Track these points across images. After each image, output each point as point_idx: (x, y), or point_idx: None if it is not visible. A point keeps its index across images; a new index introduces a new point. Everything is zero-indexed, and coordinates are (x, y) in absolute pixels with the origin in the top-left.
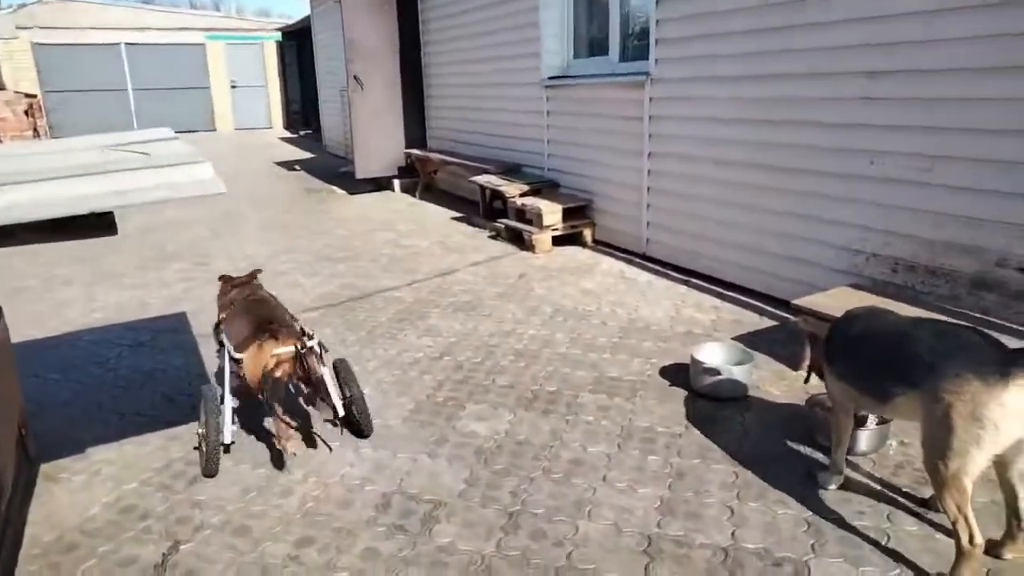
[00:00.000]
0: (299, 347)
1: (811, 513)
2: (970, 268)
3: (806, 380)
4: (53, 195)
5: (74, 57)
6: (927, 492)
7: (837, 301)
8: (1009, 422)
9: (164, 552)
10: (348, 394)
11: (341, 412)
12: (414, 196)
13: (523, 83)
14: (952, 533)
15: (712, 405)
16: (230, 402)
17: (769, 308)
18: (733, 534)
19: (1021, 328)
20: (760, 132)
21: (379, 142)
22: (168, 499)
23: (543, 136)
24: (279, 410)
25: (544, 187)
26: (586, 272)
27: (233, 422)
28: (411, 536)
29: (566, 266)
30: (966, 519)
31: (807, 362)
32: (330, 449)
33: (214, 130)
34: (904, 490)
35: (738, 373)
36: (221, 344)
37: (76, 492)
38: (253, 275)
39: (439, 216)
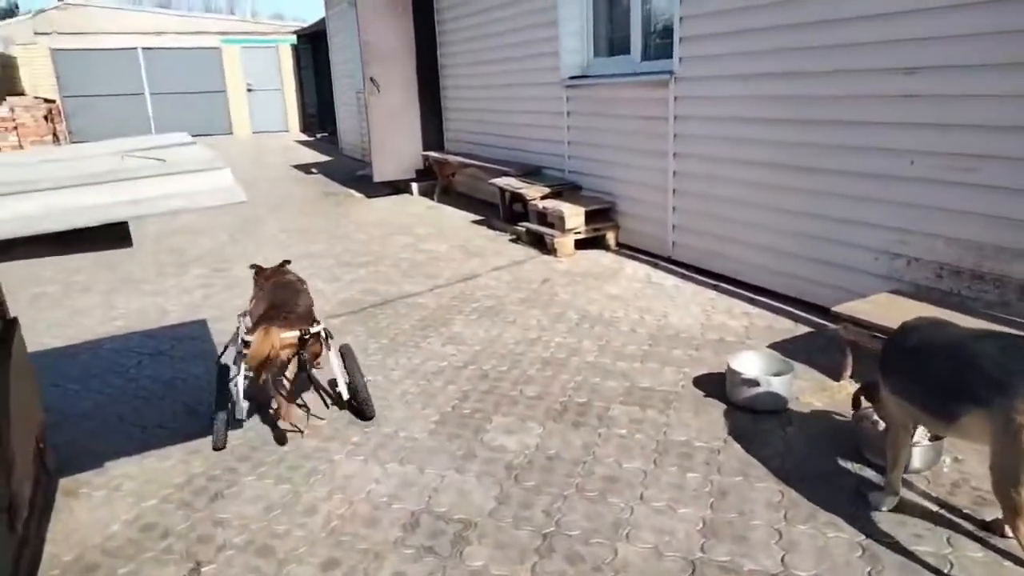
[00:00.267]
0: (303, 333)
1: (865, 537)
2: (1021, 273)
3: (855, 405)
4: (60, 205)
5: (92, 62)
6: (989, 514)
7: (879, 308)
8: None
9: (185, 574)
10: (349, 380)
11: (346, 395)
12: (432, 199)
13: (542, 83)
14: None
15: (751, 418)
16: (243, 382)
17: (803, 314)
18: (783, 559)
19: None
20: (791, 132)
21: (396, 145)
22: (190, 517)
23: (563, 137)
24: (282, 389)
25: (565, 189)
26: (611, 277)
27: (245, 398)
28: (441, 559)
29: (590, 270)
30: None
31: (848, 371)
32: (321, 418)
33: (231, 134)
34: (964, 511)
35: (778, 385)
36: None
37: (96, 508)
38: (282, 265)
39: (458, 220)
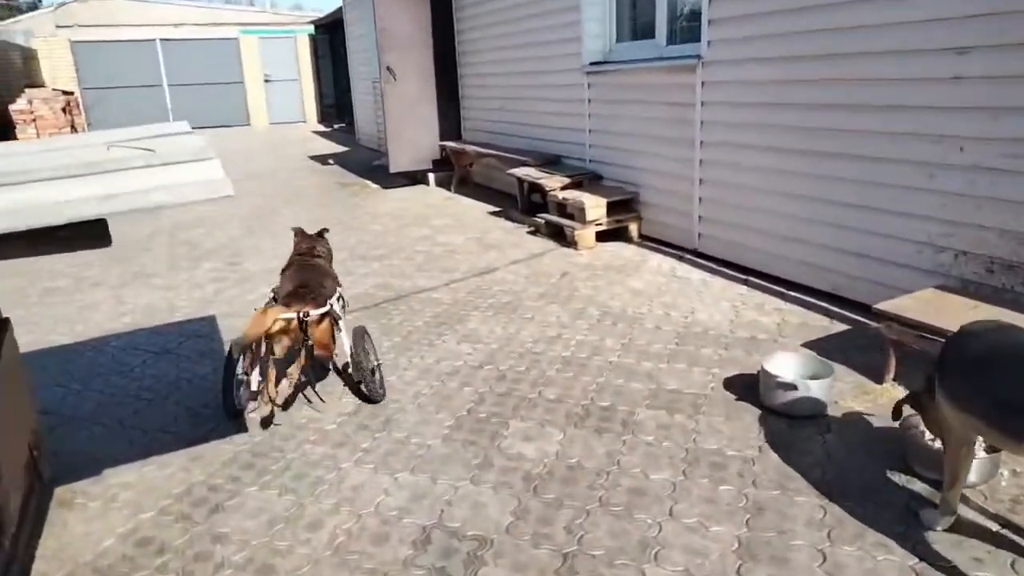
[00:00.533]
0: (300, 315)
1: (918, 560)
2: None
3: (896, 416)
4: (27, 201)
5: (111, 54)
6: None
7: (924, 305)
8: None
9: None
10: (360, 361)
11: (357, 378)
12: (449, 190)
13: (563, 69)
14: None
15: (787, 424)
16: (241, 364)
17: (839, 310)
18: None
19: None
20: (828, 117)
21: (413, 135)
22: (188, 531)
23: (584, 125)
24: (271, 369)
25: (586, 179)
26: (634, 270)
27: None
28: None
29: (612, 263)
30: None
31: (892, 373)
32: (322, 400)
33: (248, 125)
34: None
35: (817, 389)
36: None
37: (91, 520)
38: (321, 233)
39: (476, 211)
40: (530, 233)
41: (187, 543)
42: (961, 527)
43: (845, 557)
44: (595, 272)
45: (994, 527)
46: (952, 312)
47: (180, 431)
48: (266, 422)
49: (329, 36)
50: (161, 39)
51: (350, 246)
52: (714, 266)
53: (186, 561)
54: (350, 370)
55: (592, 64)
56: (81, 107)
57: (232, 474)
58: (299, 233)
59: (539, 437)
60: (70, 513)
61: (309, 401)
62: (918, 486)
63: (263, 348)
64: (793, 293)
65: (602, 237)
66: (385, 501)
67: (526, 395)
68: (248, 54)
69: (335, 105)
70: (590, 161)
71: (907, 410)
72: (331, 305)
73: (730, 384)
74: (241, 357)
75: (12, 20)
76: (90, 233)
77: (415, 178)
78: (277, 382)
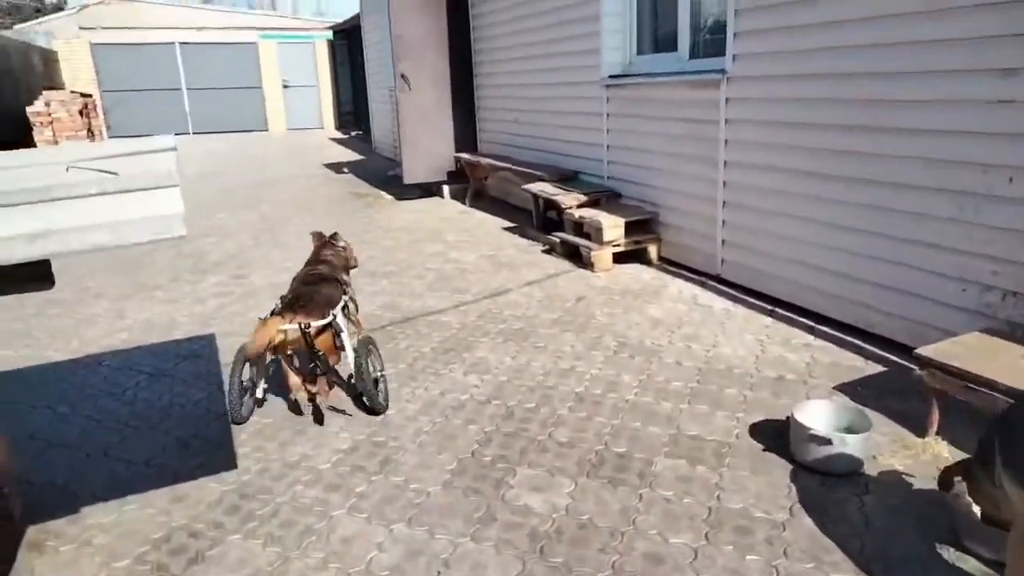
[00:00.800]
0: (303, 326)
1: None
2: None
3: (945, 485)
4: None
5: (131, 57)
6: None
7: (971, 352)
8: None
9: None
10: (363, 370)
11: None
12: (464, 203)
13: (580, 82)
14: None
15: (820, 482)
16: (238, 374)
17: (873, 349)
18: None
19: None
20: (862, 140)
21: (428, 145)
22: None
23: (602, 141)
24: (292, 366)
25: (603, 197)
26: (653, 296)
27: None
28: None
29: (629, 288)
30: None
31: (935, 427)
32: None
33: (266, 130)
34: None
35: (854, 445)
36: None
37: (61, 569)
38: (333, 236)
39: (490, 226)
40: (545, 252)
41: None
42: None
43: None
44: (612, 297)
45: None
46: (1004, 361)
47: (167, 464)
48: (298, 410)
49: (348, 42)
50: (180, 43)
51: (360, 262)
52: (737, 294)
53: None
54: (353, 380)
55: (611, 77)
56: (99, 110)
57: (216, 519)
58: (316, 237)
59: (548, 487)
60: (39, 558)
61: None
62: (971, 564)
63: (267, 358)
64: (822, 328)
65: (619, 258)
66: (378, 558)
67: (535, 436)
68: (267, 59)
69: (353, 112)
70: (608, 178)
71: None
72: (333, 315)
73: (757, 431)
74: (245, 366)
75: (35, 21)
76: (29, 274)
77: (430, 190)
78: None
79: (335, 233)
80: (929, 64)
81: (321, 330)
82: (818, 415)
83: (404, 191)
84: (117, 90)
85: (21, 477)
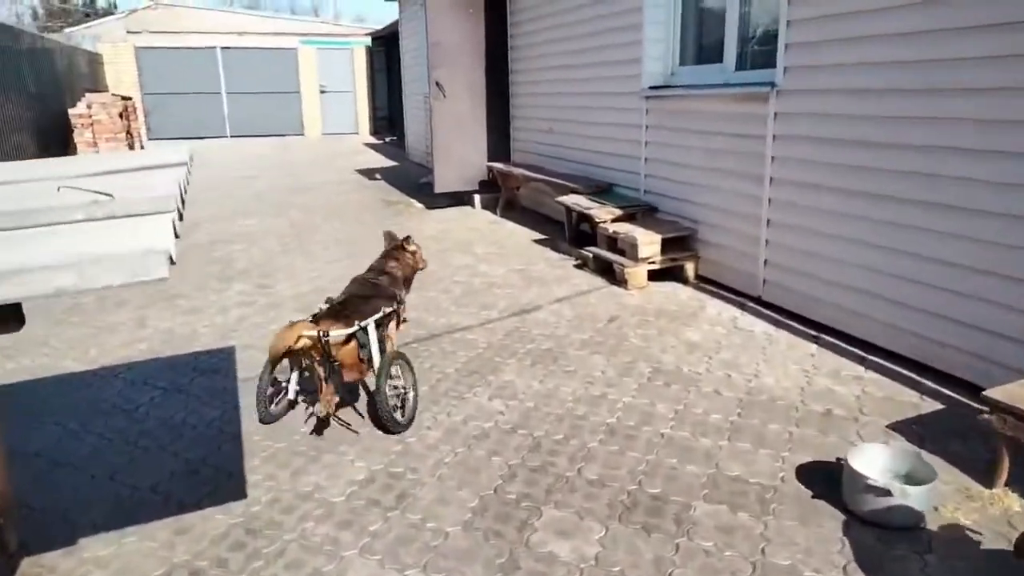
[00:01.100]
0: (320, 334)
1: None
2: None
3: (1020, 553)
4: None
5: (172, 60)
6: None
7: None
8: None
9: None
10: (382, 387)
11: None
12: (495, 213)
13: (619, 92)
14: None
15: (877, 536)
16: (267, 377)
17: (930, 384)
18: None
19: None
20: (924, 160)
21: (460, 154)
22: None
23: (640, 153)
24: (320, 375)
25: (639, 211)
26: (690, 318)
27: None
28: None
29: (665, 308)
30: None
31: (1004, 477)
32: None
33: (302, 135)
34: None
35: (916, 497)
36: None
37: None
38: (407, 238)
39: (520, 238)
40: (576, 267)
41: None
42: None
43: None
44: (646, 318)
45: None
46: None
47: (173, 491)
48: (321, 428)
49: (386, 49)
50: (222, 47)
51: None
52: (780, 318)
53: None
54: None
55: (651, 88)
56: (139, 112)
57: (220, 555)
58: (388, 237)
59: (576, 532)
60: None
61: (348, 424)
62: None
63: (293, 363)
64: (873, 358)
65: (654, 276)
66: None
67: (563, 473)
68: (305, 64)
69: (387, 118)
70: (644, 192)
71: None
72: (358, 325)
73: (804, 474)
74: (271, 368)
75: (84, 26)
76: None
77: (460, 199)
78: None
79: (408, 237)
80: (1000, 80)
81: (345, 341)
82: (874, 460)
83: (435, 199)
84: (158, 93)
85: (21, 501)
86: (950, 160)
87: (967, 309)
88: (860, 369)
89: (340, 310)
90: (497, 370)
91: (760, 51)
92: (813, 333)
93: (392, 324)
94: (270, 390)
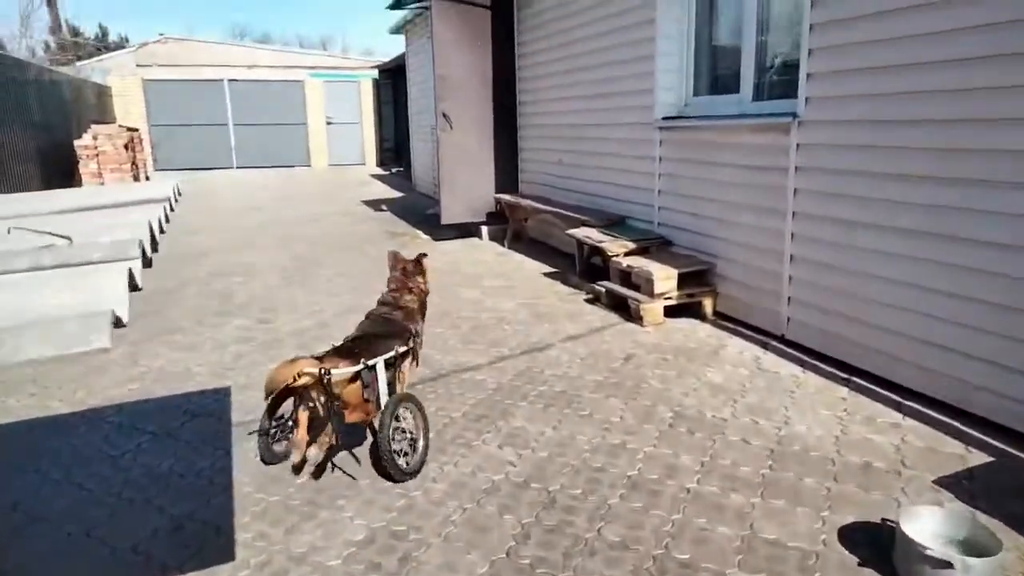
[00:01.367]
0: (321, 372)
1: None
2: None
3: None
4: None
5: (180, 93)
6: None
7: None
8: None
9: None
10: (385, 431)
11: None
12: (502, 245)
13: (632, 123)
14: None
15: None
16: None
17: (975, 433)
18: None
19: None
20: (959, 195)
21: (467, 185)
22: None
23: (653, 185)
24: (303, 418)
25: (653, 245)
26: (711, 357)
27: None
28: None
29: (683, 346)
30: None
31: None
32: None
33: (309, 166)
34: None
35: (982, 571)
36: None
37: None
38: (419, 260)
39: (529, 271)
40: (588, 301)
41: None
42: None
43: None
44: (664, 357)
45: None
46: None
47: (154, 552)
48: (296, 469)
49: (392, 81)
50: (229, 79)
51: None
52: (806, 358)
53: None
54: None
55: (665, 119)
56: (146, 144)
57: None
58: (392, 258)
59: None
60: None
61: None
62: None
63: (292, 400)
64: (911, 403)
65: (670, 312)
66: None
67: (582, 534)
68: (313, 96)
69: (394, 149)
70: (659, 224)
71: None
72: (364, 363)
73: (847, 536)
74: (271, 404)
75: (96, 59)
76: None
77: (468, 231)
78: (309, 444)
79: (420, 257)
80: None
81: (349, 380)
82: (928, 525)
83: (441, 231)
84: (166, 125)
85: None
86: (987, 194)
87: (1011, 353)
88: (897, 416)
89: (349, 347)
90: (507, 414)
91: (778, 81)
92: (843, 375)
93: (407, 362)
94: (272, 428)
